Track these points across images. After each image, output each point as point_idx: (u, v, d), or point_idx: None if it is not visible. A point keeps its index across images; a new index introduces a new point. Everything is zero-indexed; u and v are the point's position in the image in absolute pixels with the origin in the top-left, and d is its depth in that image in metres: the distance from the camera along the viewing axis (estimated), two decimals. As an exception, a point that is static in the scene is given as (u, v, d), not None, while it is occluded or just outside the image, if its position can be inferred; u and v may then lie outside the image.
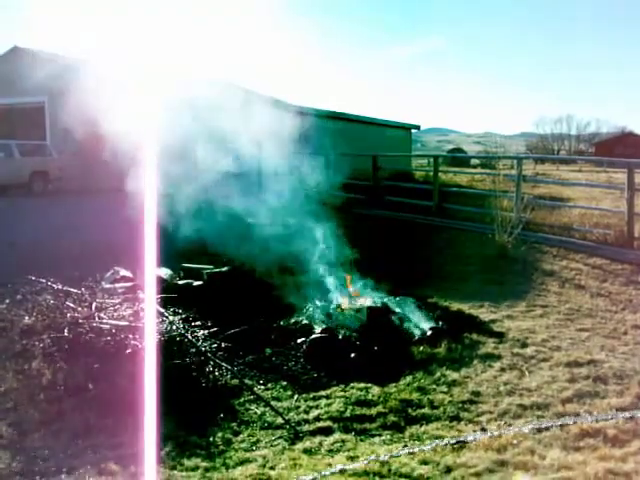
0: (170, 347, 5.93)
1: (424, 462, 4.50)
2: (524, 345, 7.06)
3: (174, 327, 6.25)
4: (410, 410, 5.48)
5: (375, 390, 5.89)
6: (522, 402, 5.56)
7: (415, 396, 5.75)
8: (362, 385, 6.00)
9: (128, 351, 5.64)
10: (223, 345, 6.59)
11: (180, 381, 5.66)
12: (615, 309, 8.56)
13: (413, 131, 35.83)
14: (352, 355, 6.69)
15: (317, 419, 5.34)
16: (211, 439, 5.00)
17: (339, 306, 8.08)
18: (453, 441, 4.81)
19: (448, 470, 4.39)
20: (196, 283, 8.58)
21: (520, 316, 8.26)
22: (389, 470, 4.38)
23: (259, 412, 5.48)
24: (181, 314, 6.82)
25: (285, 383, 6.15)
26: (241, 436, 5.08)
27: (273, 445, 4.93)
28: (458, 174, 27.10)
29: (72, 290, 6.85)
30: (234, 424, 5.27)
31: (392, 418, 5.34)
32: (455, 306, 8.63)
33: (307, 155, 13.43)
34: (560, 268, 10.72)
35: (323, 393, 5.88)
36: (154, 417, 4.54)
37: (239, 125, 8.74)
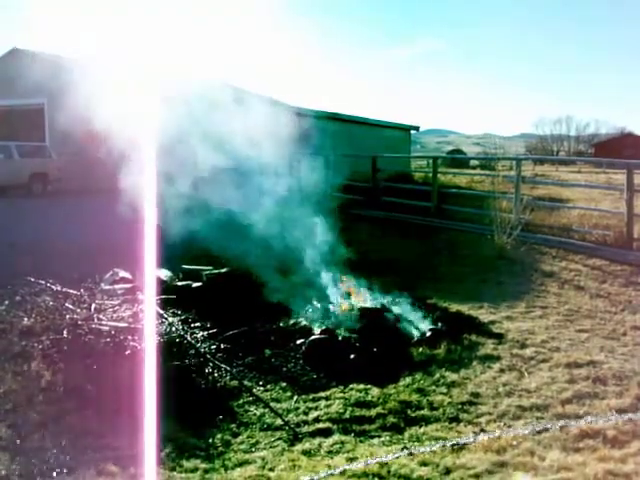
0: (169, 348, 5.93)
1: (423, 463, 4.49)
2: (523, 346, 7.06)
3: (173, 328, 6.25)
4: (409, 411, 5.48)
5: (374, 391, 5.89)
6: (521, 403, 5.56)
7: (414, 397, 5.74)
8: (361, 386, 5.99)
9: (127, 352, 5.64)
10: (222, 346, 6.59)
11: (179, 382, 5.65)
12: (614, 310, 8.56)
13: (412, 132, 35.80)
14: (351, 356, 6.69)
15: (316, 420, 5.34)
16: (210, 440, 4.99)
17: (338, 307, 8.08)
18: (453, 442, 4.81)
19: (447, 471, 4.38)
20: (195, 284, 8.58)
21: (519, 317, 8.26)
22: (388, 471, 4.38)
23: (258, 413, 5.48)
24: (180, 315, 6.82)
25: (284, 384, 6.14)
26: (240, 437, 5.08)
27: (272, 446, 4.92)
28: (457, 175, 27.11)
29: (71, 291, 6.85)
30: (233, 425, 5.27)
31: (391, 419, 5.34)
32: (454, 307, 8.63)
33: (306, 156, 13.44)
34: (559, 269, 10.73)
35: (322, 394, 5.87)
36: (153, 418, 4.54)
37: (238, 126, 8.74)
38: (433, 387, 6.00)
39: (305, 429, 5.19)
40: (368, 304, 8.19)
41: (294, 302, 8.31)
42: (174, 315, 6.74)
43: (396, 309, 8.12)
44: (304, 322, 7.72)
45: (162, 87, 7.81)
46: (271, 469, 4.52)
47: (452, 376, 6.23)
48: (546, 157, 71.31)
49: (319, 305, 8.20)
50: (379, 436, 5.09)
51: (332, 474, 4.36)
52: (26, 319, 6.34)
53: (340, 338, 7.12)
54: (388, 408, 5.53)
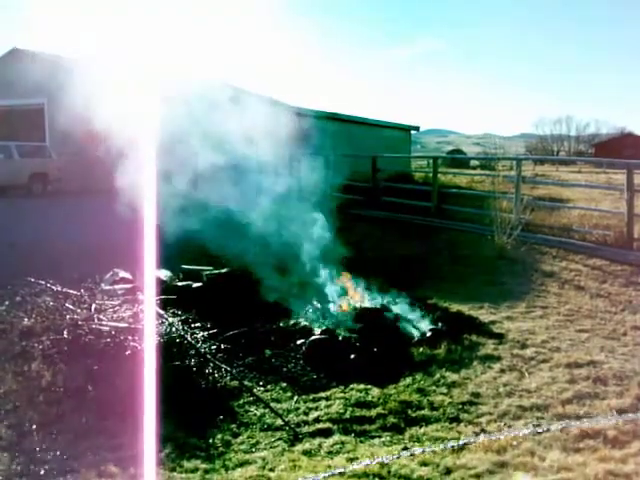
0: (170, 349, 5.93)
1: (424, 463, 4.49)
2: (524, 346, 7.06)
3: (174, 329, 6.25)
4: (410, 411, 5.48)
5: (375, 391, 5.89)
6: (522, 403, 5.56)
7: (415, 397, 5.74)
8: (362, 386, 5.99)
9: (128, 353, 5.64)
10: (222, 347, 6.59)
11: (180, 383, 5.65)
12: (615, 310, 8.56)
13: (412, 132, 35.80)
14: (352, 356, 6.69)
15: (317, 420, 5.34)
16: (211, 441, 4.99)
17: (338, 307, 8.08)
18: (453, 443, 4.81)
19: (448, 472, 4.38)
20: (195, 285, 8.58)
21: (520, 317, 8.26)
22: (389, 472, 4.38)
23: (259, 414, 5.48)
24: (180, 316, 6.82)
25: (285, 384, 6.14)
26: (241, 438, 5.08)
27: (273, 447, 4.92)
28: (457, 175, 27.11)
29: (71, 292, 6.85)
30: (234, 426, 5.27)
31: (392, 419, 5.33)
32: (455, 307, 8.63)
33: (306, 156, 13.45)
34: (560, 269, 10.73)
35: (323, 394, 5.87)
36: (154, 419, 4.53)
37: (238, 126, 8.74)
38: (433, 387, 6.00)
39: (305, 429, 5.19)
40: (368, 304, 8.20)
41: (294, 302, 8.31)
42: (174, 315, 6.74)
43: (396, 309, 8.12)
44: (304, 322, 7.72)
45: (162, 87, 7.80)
46: (271, 469, 4.52)
47: (452, 376, 6.23)
48: (546, 157, 71.32)
49: (319, 305, 8.20)
50: (379, 436, 5.09)
51: (332, 475, 4.36)
52: (26, 319, 6.34)
53: (340, 338, 7.12)
54: (388, 408, 5.53)
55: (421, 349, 6.90)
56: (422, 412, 5.47)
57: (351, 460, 4.60)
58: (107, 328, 5.99)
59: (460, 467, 4.42)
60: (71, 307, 6.45)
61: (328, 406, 5.60)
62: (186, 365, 5.96)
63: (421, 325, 7.65)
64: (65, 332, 5.94)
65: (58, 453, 4.67)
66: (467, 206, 15.76)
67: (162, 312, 6.51)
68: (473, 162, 52.05)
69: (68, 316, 6.23)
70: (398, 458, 4.57)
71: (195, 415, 5.36)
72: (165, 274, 8.78)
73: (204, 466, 4.58)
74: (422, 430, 5.14)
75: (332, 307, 8.14)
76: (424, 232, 14.34)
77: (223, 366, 6.12)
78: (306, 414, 5.47)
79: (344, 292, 8.54)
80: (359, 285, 8.80)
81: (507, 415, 5.35)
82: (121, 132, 7.61)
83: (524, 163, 18.82)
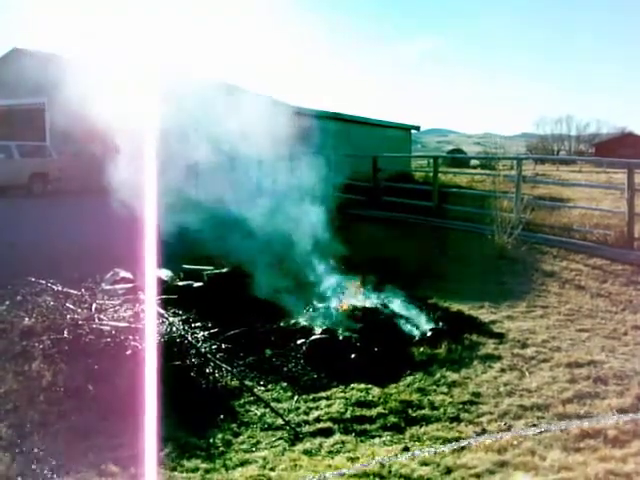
0: (170, 348, 5.93)
1: (424, 463, 4.49)
2: (524, 346, 7.06)
3: (174, 328, 6.25)
4: (410, 411, 5.48)
5: (375, 391, 5.89)
6: (522, 403, 5.56)
7: (415, 397, 5.74)
8: (362, 386, 5.99)
9: (128, 352, 5.64)
10: (223, 346, 6.58)
11: (180, 382, 5.65)
12: (615, 310, 8.55)
13: (413, 132, 35.81)
14: (352, 356, 6.69)
15: (317, 420, 5.34)
16: (211, 440, 4.99)
17: (339, 307, 8.08)
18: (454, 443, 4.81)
19: (448, 471, 4.38)
20: (196, 284, 8.58)
21: (520, 317, 8.26)
22: (389, 471, 4.38)
23: (259, 413, 5.48)
24: (181, 315, 6.82)
25: (285, 384, 6.14)
26: (241, 437, 5.08)
27: (273, 446, 4.92)
28: (458, 175, 27.12)
29: (72, 291, 6.85)
30: (234, 425, 5.27)
31: (392, 419, 5.33)
32: (455, 307, 8.63)
33: (308, 156, 13.44)
34: (560, 269, 10.73)
35: (323, 394, 5.87)
36: (154, 418, 4.54)
37: (239, 126, 8.74)
38: (434, 387, 6.00)
39: (306, 429, 5.19)
40: (368, 304, 8.19)
41: (294, 302, 8.31)
42: (175, 315, 6.74)
43: (397, 309, 8.11)
44: (305, 322, 7.72)
45: (163, 86, 7.80)
46: (272, 469, 4.52)
47: (453, 376, 6.23)
48: (547, 157, 71.31)
49: (319, 305, 8.20)
50: (380, 436, 5.08)
51: (333, 474, 4.36)
52: (27, 319, 6.34)
53: (341, 338, 7.12)
54: (389, 408, 5.53)
55: (421, 349, 6.89)
56: (422, 412, 5.46)
57: (351, 460, 4.60)
58: (108, 328, 5.99)
59: (460, 466, 4.43)
60: (72, 307, 6.45)
61: (329, 406, 5.60)
62: (187, 365, 5.96)
63: (421, 325, 7.65)
64: (66, 332, 5.95)
65: (58, 453, 4.67)
66: (467, 205, 15.76)
67: (163, 312, 6.51)
68: (473, 162, 52.05)
69: (69, 316, 6.24)
70: (397, 457, 4.57)
71: (196, 415, 5.36)
72: (166, 274, 8.78)
73: (205, 465, 4.58)
74: (422, 430, 5.14)
75: (332, 307, 8.13)
76: (424, 232, 14.34)
77: (224, 366, 6.12)
78: (307, 414, 5.47)
79: (344, 292, 8.54)
80: (359, 285, 8.80)
81: (508, 414, 5.35)
82: (121, 131, 7.62)
83: (525, 162, 18.83)
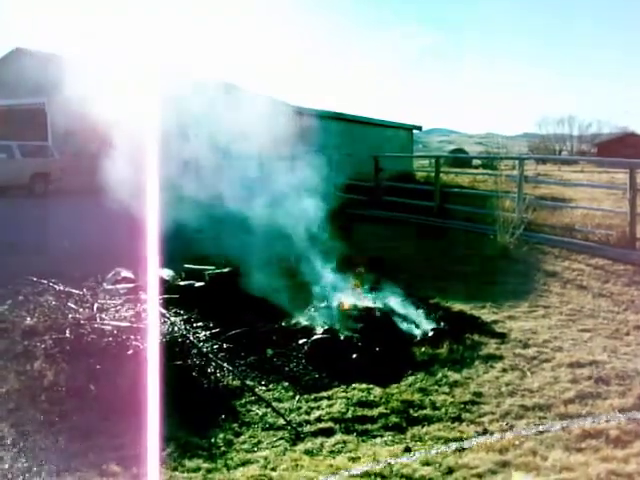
0: (172, 348, 5.93)
1: (426, 463, 4.49)
2: (526, 346, 7.05)
3: (176, 328, 6.25)
4: (412, 411, 5.47)
5: (377, 391, 5.89)
6: (524, 403, 5.56)
7: (417, 397, 5.74)
8: (364, 386, 5.99)
9: (130, 352, 5.64)
10: (224, 346, 6.58)
11: (182, 382, 5.66)
12: (617, 310, 8.55)
13: (415, 132, 35.82)
14: (354, 356, 6.68)
15: (318, 420, 5.33)
16: (212, 440, 4.99)
17: (340, 307, 8.07)
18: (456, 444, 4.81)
19: (450, 471, 4.38)
20: (198, 284, 8.58)
21: (522, 317, 8.25)
22: (391, 471, 4.38)
23: (260, 413, 5.48)
24: (183, 315, 6.82)
25: (286, 384, 6.14)
26: (242, 437, 5.08)
27: (274, 446, 4.92)
28: (460, 175, 27.13)
29: (74, 291, 6.85)
30: (235, 425, 5.27)
31: (394, 419, 5.33)
32: (457, 307, 8.62)
33: (309, 155, 13.43)
34: (562, 269, 10.72)
35: (324, 394, 5.87)
36: (156, 418, 4.54)
37: (239, 125, 8.74)
38: (435, 387, 5.99)
39: (307, 429, 5.19)
40: (370, 303, 8.18)
41: (296, 302, 8.30)
42: (176, 315, 6.74)
43: (398, 308, 8.11)
44: (306, 322, 7.72)
45: (163, 86, 7.81)
46: (273, 469, 4.52)
47: (454, 376, 6.22)
48: (548, 156, 71.30)
49: (321, 305, 8.19)
50: (381, 436, 5.08)
51: (334, 473, 4.36)
52: (29, 319, 6.34)
53: (342, 338, 7.12)
54: (390, 408, 5.52)
55: (423, 349, 6.89)
56: (424, 412, 5.46)
57: (353, 459, 4.60)
58: (109, 327, 5.99)
59: (462, 466, 4.42)
60: (73, 306, 6.45)
61: (330, 405, 5.60)
62: (188, 364, 5.96)
63: (423, 324, 7.64)
64: (67, 331, 5.95)
65: (60, 452, 4.68)
66: (469, 205, 15.77)
67: (164, 311, 6.51)
68: (475, 161, 52.03)
69: (70, 315, 6.24)
70: (399, 457, 4.57)
71: (197, 414, 5.36)
72: (167, 273, 8.78)
73: (206, 465, 4.58)
74: (424, 430, 5.13)
75: (333, 306, 8.12)
76: (426, 231, 14.34)
77: (225, 365, 6.12)
78: (308, 413, 5.47)
79: (345, 291, 8.53)
80: (360, 284, 8.79)
81: (509, 415, 5.35)
82: (123, 131, 7.62)
83: (526, 162, 18.83)
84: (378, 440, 5.00)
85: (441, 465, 4.46)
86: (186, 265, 9.35)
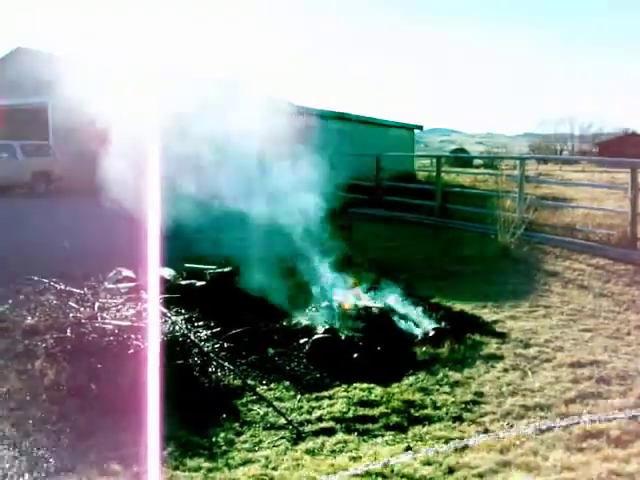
0: (173, 347, 5.93)
1: (427, 463, 4.49)
2: (527, 346, 7.05)
3: (177, 327, 6.25)
4: (413, 411, 5.47)
5: (378, 390, 5.88)
6: (525, 403, 5.55)
7: (418, 397, 5.74)
8: (365, 385, 5.99)
9: (131, 351, 5.64)
10: (226, 345, 6.58)
11: (182, 381, 5.66)
12: (618, 310, 8.54)
13: (416, 131, 35.79)
14: (355, 355, 6.68)
15: (320, 419, 5.33)
16: (213, 439, 4.99)
17: (341, 306, 8.07)
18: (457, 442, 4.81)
19: (451, 471, 4.38)
20: (199, 283, 8.58)
21: (523, 316, 8.25)
22: (392, 471, 4.37)
23: (262, 412, 5.48)
24: (184, 314, 6.82)
25: (288, 383, 6.14)
26: (243, 436, 5.08)
27: (275, 445, 4.92)
28: (461, 174, 27.11)
29: (75, 290, 6.86)
30: (236, 424, 5.27)
31: (395, 419, 5.33)
32: (458, 306, 8.62)
33: (310, 155, 13.42)
34: (563, 268, 10.72)
35: (326, 393, 5.87)
36: (157, 417, 4.54)
37: (240, 125, 8.74)
38: (436, 386, 5.99)
39: (308, 428, 5.19)
40: (371, 303, 8.18)
41: (297, 301, 8.30)
42: (177, 314, 6.74)
43: (399, 308, 8.11)
44: (307, 321, 7.72)
45: (163, 86, 7.81)
46: (274, 468, 4.52)
47: (455, 375, 6.22)
48: (549, 156, 71.26)
49: (322, 304, 8.19)
50: (382, 435, 5.08)
51: (336, 473, 4.36)
52: (30, 318, 6.34)
53: (343, 337, 7.12)
54: (391, 407, 5.52)
55: (424, 348, 6.89)
56: (425, 411, 5.46)
57: (354, 459, 4.60)
58: (110, 327, 5.99)
59: (463, 466, 4.42)
60: (74, 306, 6.45)
61: (331, 405, 5.60)
62: (189, 364, 5.97)
63: (424, 324, 7.64)
64: (68, 331, 5.95)
65: (61, 451, 4.68)
66: (470, 205, 15.75)
67: (165, 311, 6.51)
68: (476, 161, 52.02)
69: (71, 315, 6.24)
70: (400, 457, 4.56)
71: (198, 414, 5.37)
72: (169, 273, 8.78)
73: (207, 465, 4.58)
74: (425, 429, 5.13)
75: (335, 306, 8.12)
76: (427, 231, 14.34)
77: (226, 365, 6.13)
78: (309, 413, 5.47)
79: (346, 291, 8.53)
80: (362, 284, 8.79)
81: (510, 414, 5.35)
82: (123, 130, 7.62)
83: (527, 162, 18.82)
84: (379, 440, 5.00)
85: (442, 465, 4.46)
86: (187, 264, 9.36)
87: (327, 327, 7.33)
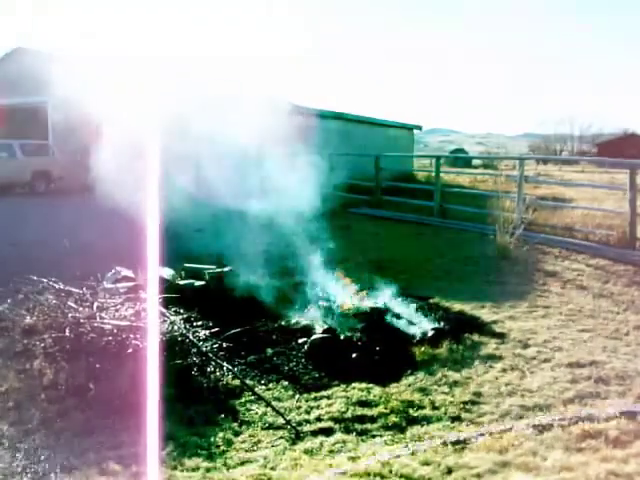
0: (171, 347, 5.93)
1: (425, 463, 4.49)
2: (526, 346, 7.05)
3: (175, 327, 6.25)
4: (411, 411, 5.47)
5: (376, 390, 5.89)
6: (524, 403, 5.56)
7: (416, 397, 5.74)
8: (363, 385, 5.99)
9: (129, 351, 5.64)
10: (224, 345, 6.59)
11: (181, 381, 5.66)
12: (617, 310, 8.54)
13: (415, 132, 35.81)
14: (353, 355, 6.68)
15: (318, 419, 5.33)
16: (212, 439, 4.99)
17: (340, 306, 8.07)
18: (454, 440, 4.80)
19: (449, 471, 4.38)
20: (198, 283, 8.58)
21: (522, 317, 8.25)
22: (390, 471, 4.37)
23: (260, 412, 5.48)
24: (182, 314, 6.82)
25: (286, 383, 6.14)
26: (242, 436, 5.08)
27: (274, 445, 4.92)
28: (460, 174, 27.12)
29: (74, 290, 6.85)
30: (235, 424, 5.27)
31: (393, 419, 5.33)
32: (457, 307, 8.62)
33: (310, 155, 13.44)
34: (562, 269, 10.72)
35: (324, 393, 5.87)
36: (155, 417, 4.54)
37: (241, 124, 8.74)
38: (435, 386, 5.99)
39: (307, 428, 5.19)
40: (370, 303, 8.18)
41: (296, 301, 8.30)
42: (176, 314, 6.74)
43: (398, 308, 8.10)
44: (306, 321, 7.72)
45: (163, 85, 7.81)
46: (273, 468, 4.52)
47: (454, 375, 6.22)
48: (549, 157, 71.27)
49: (321, 304, 8.18)
50: (381, 435, 5.08)
51: (335, 473, 4.35)
52: (28, 317, 6.34)
53: (342, 337, 7.11)
54: (390, 407, 5.52)
55: (423, 348, 6.89)
56: (424, 411, 5.46)
57: (352, 459, 4.60)
58: (109, 326, 5.99)
59: (462, 466, 4.42)
60: (73, 305, 6.44)
61: (330, 405, 5.60)
62: (188, 363, 5.96)
63: (423, 324, 7.64)
64: (67, 330, 5.94)
65: (60, 451, 4.68)
66: (469, 205, 15.77)
67: (164, 310, 6.51)
68: (476, 161, 52.03)
69: (70, 314, 6.23)
70: (398, 457, 4.56)
71: (196, 413, 5.37)
72: (167, 272, 8.78)
73: (205, 464, 4.58)
74: (424, 429, 5.13)
75: (334, 306, 8.12)
76: (426, 231, 14.35)
77: (225, 365, 6.12)
78: (307, 413, 5.47)
79: (346, 291, 8.53)
80: (361, 284, 8.79)
81: (509, 415, 5.35)
82: (123, 130, 7.62)
83: (527, 162, 18.82)
84: (378, 440, 5.00)
85: (440, 465, 4.45)
86: (186, 264, 9.35)
87: (326, 327, 7.33)
